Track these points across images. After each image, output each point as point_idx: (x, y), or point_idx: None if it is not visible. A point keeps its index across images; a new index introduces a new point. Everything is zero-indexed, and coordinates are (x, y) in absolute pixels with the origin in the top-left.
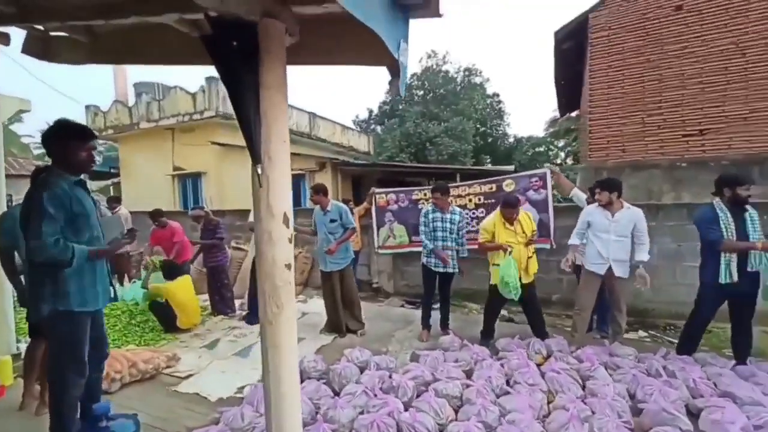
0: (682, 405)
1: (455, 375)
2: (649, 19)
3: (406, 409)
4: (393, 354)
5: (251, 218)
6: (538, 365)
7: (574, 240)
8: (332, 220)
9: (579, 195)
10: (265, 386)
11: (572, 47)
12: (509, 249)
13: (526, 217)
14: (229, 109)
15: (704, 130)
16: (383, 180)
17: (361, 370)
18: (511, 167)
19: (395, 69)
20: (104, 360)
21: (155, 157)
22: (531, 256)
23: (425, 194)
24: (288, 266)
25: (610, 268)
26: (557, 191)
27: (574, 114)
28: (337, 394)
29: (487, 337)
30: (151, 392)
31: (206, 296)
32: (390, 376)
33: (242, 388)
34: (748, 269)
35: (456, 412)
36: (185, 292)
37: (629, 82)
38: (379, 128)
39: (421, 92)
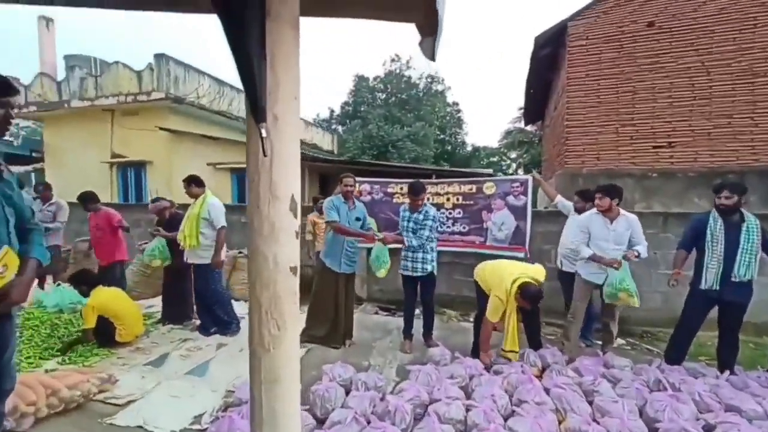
0: (697, 423)
1: (454, 394)
2: (624, 32)
3: None
4: (376, 368)
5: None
6: (537, 378)
7: (585, 252)
8: (357, 218)
9: (564, 202)
10: None
11: (548, 54)
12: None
13: None
14: (182, 91)
15: (673, 142)
16: None
17: (347, 391)
18: (489, 170)
19: (428, 26)
20: (7, 395)
21: (89, 142)
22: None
23: (401, 188)
24: (294, 270)
25: (606, 277)
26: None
27: (529, 127)
28: (321, 422)
29: (479, 349)
30: (78, 427)
31: (151, 302)
32: (382, 398)
33: (200, 417)
34: (733, 279)
35: None
36: (119, 300)
37: (604, 92)
38: (340, 128)
39: (384, 95)
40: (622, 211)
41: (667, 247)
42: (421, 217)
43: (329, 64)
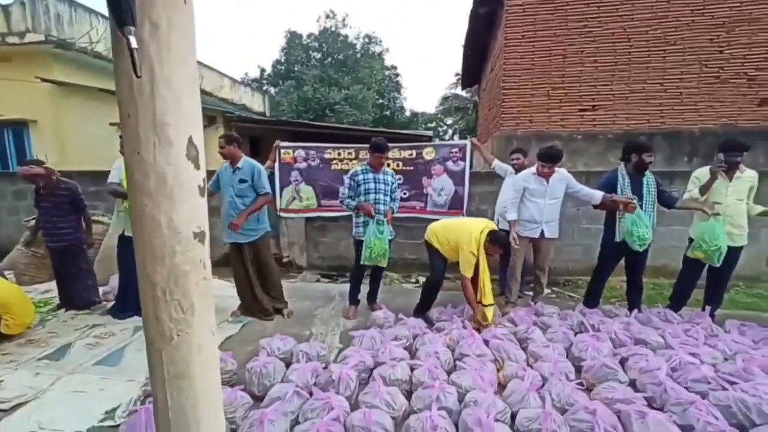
0: (615, 357)
1: (398, 355)
2: None
3: (353, 407)
4: (319, 337)
5: (112, 178)
6: (477, 332)
7: (512, 215)
8: (242, 180)
9: (501, 165)
10: None
11: (487, 13)
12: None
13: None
14: (69, 34)
15: (596, 105)
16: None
17: (287, 364)
18: (430, 133)
19: None
20: None
21: None
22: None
23: (339, 153)
24: (200, 236)
25: (541, 231)
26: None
27: (464, 93)
28: (260, 399)
29: (423, 309)
30: None
31: (47, 286)
32: (325, 368)
33: (113, 412)
34: None
35: (408, 398)
36: None
37: (538, 55)
38: (272, 89)
39: (319, 55)
40: (555, 169)
41: (587, 204)
42: (389, 177)
43: (257, 18)
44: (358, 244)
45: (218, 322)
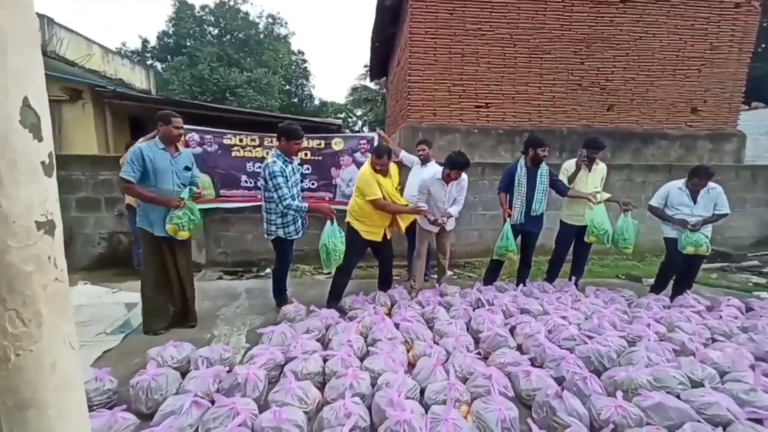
0: (506, 326)
1: (311, 348)
2: None
3: (263, 409)
4: (222, 339)
5: None
6: (388, 316)
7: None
8: (187, 168)
9: (408, 156)
10: None
11: (393, 6)
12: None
13: (395, 167)
14: None
15: (489, 103)
16: None
17: (183, 374)
18: (339, 121)
19: None
20: None
21: None
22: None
23: (241, 140)
24: (46, 226)
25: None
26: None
27: (372, 84)
28: (148, 418)
29: (336, 299)
30: None
31: None
32: (229, 371)
33: None
34: (532, 213)
35: (322, 390)
36: None
37: (440, 51)
38: (159, 65)
39: (216, 31)
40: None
41: (484, 192)
42: (298, 166)
43: None
44: (284, 244)
45: (95, 333)
